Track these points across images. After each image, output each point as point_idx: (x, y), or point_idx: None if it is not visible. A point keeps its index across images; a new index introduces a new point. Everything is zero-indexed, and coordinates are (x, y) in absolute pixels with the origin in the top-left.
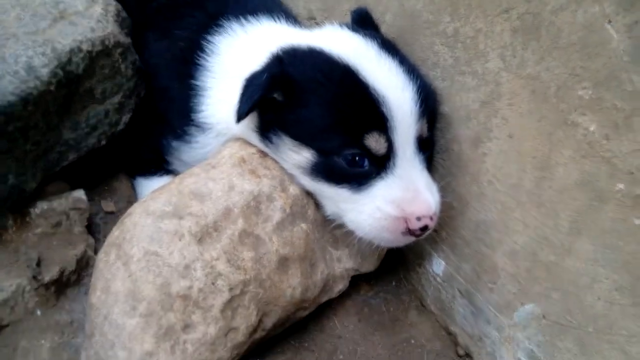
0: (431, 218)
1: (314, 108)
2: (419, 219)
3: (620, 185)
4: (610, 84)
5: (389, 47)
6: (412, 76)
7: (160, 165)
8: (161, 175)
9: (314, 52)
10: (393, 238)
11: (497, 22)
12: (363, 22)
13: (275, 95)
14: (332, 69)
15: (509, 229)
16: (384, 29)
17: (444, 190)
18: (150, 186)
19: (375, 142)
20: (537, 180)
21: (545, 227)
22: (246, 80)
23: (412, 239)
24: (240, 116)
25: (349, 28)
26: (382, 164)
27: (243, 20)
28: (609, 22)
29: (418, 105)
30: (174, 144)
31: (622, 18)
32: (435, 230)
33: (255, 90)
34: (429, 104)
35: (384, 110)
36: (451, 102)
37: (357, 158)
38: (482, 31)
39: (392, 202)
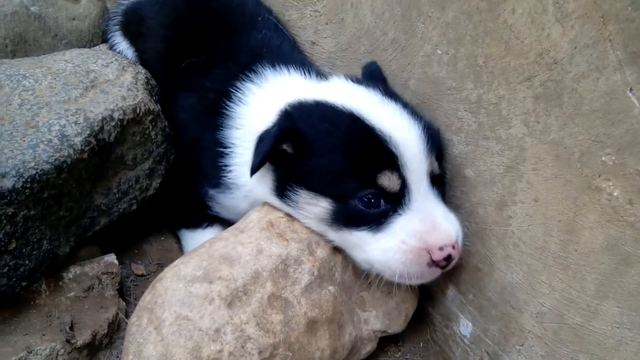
0: (453, 247)
1: (324, 156)
2: (441, 249)
3: None
4: (633, 150)
5: (391, 94)
6: (416, 117)
7: (202, 215)
8: (205, 227)
9: (319, 104)
10: (420, 272)
11: (519, 89)
12: (372, 76)
13: (285, 147)
14: (338, 117)
15: (536, 291)
16: (407, 95)
17: (470, 252)
18: (194, 238)
19: (388, 180)
20: (563, 244)
21: (572, 290)
22: (258, 136)
23: (438, 271)
24: (254, 169)
25: (353, 80)
26: (397, 201)
27: (276, 69)
28: (631, 90)
29: (425, 143)
30: (212, 192)
31: None
32: (461, 292)
33: (265, 143)
34: (435, 141)
35: (393, 148)
36: (475, 166)
37: (372, 199)
38: (505, 98)
39: (413, 235)
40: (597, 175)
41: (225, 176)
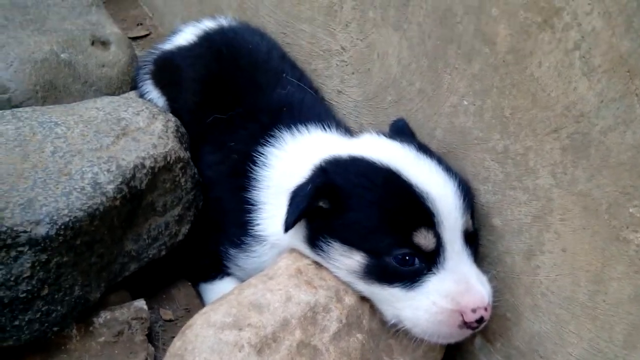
0: (485, 309)
1: (361, 211)
2: (474, 310)
3: None
4: None
5: (425, 149)
6: (450, 173)
7: (219, 268)
8: (222, 277)
9: (355, 159)
10: (450, 332)
11: (546, 140)
12: (400, 132)
13: (322, 204)
14: (374, 172)
15: (564, 341)
16: (434, 144)
17: (497, 301)
18: (213, 290)
19: (424, 239)
20: (591, 294)
21: (600, 340)
22: (292, 192)
23: (469, 332)
24: (288, 226)
25: (385, 136)
26: (432, 259)
27: (294, 131)
28: None
29: (461, 200)
30: (232, 252)
31: None
32: (489, 341)
33: (301, 200)
34: (470, 198)
35: (430, 205)
36: (502, 216)
37: (407, 257)
38: (532, 149)
39: (446, 296)
40: (624, 227)
41: (251, 230)
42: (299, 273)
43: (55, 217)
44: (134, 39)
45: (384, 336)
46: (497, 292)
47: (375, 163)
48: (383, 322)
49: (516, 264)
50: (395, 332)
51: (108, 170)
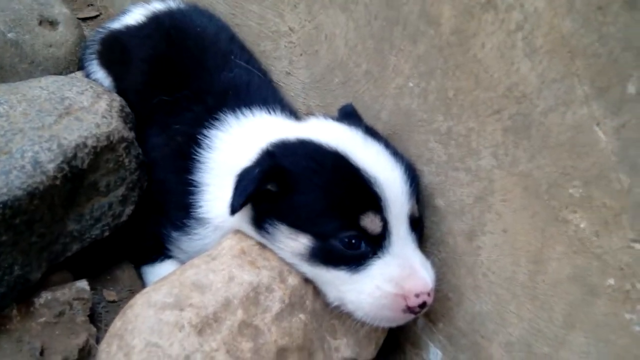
0: (429, 294)
1: (308, 194)
2: (417, 295)
3: (611, 281)
4: (599, 183)
5: (373, 133)
6: (398, 158)
7: (160, 250)
8: (163, 260)
9: (303, 142)
10: (393, 316)
11: (488, 122)
12: (348, 117)
13: (270, 187)
14: (323, 156)
15: (505, 321)
16: (379, 126)
17: (439, 281)
18: (154, 273)
19: (370, 222)
20: (531, 274)
21: (540, 320)
22: (239, 175)
23: (411, 316)
24: (235, 209)
25: (333, 119)
26: (378, 243)
27: (239, 114)
28: (597, 124)
29: (408, 185)
30: (174, 234)
31: (610, 121)
32: (431, 321)
33: (248, 183)
34: (416, 183)
35: (377, 190)
36: (445, 197)
37: (353, 240)
38: (474, 130)
39: (390, 280)
40: (564, 207)
41: (194, 212)
42: (243, 253)
43: None
44: (84, 19)
45: (327, 317)
46: (439, 275)
47: (323, 147)
48: (327, 302)
49: (458, 245)
50: (339, 312)
51: (49, 149)
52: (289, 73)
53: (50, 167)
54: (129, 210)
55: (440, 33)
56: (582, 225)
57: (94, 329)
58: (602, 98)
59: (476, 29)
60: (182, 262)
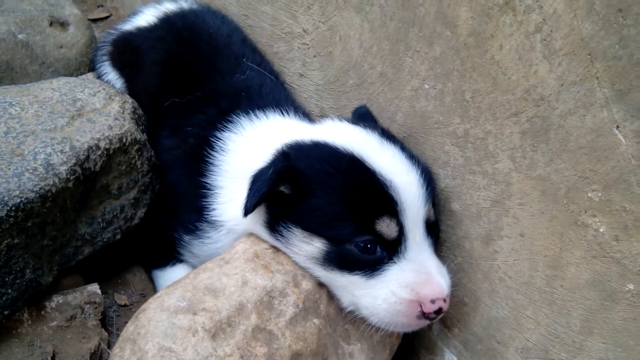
0: (444, 300)
1: (323, 198)
2: (433, 301)
3: (630, 286)
4: (619, 187)
5: (389, 135)
6: (414, 161)
7: (171, 255)
8: (174, 264)
9: (318, 144)
10: (408, 322)
11: (506, 124)
12: (363, 119)
13: (283, 189)
14: (338, 158)
15: (521, 326)
16: (394, 128)
17: (455, 286)
18: (164, 277)
19: (386, 227)
20: (548, 279)
21: (557, 325)
22: (253, 176)
23: (426, 322)
24: (248, 210)
25: (348, 122)
26: (393, 248)
27: (252, 116)
28: (617, 127)
29: (424, 189)
30: (186, 238)
31: (630, 124)
32: (447, 326)
33: (262, 184)
34: (432, 187)
35: (393, 194)
36: (462, 200)
37: (369, 245)
38: (491, 133)
39: (406, 286)
40: (583, 212)
41: (207, 215)
42: (256, 257)
43: (5, 198)
44: (94, 20)
45: (342, 322)
46: (455, 280)
47: (338, 149)
48: (341, 307)
49: (474, 249)
50: (354, 317)
51: (61, 151)
52: (303, 75)
53: (63, 169)
54: (140, 213)
55: (457, 34)
56: (601, 230)
57: (106, 334)
58: (622, 101)
59: (494, 30)
60: (194, 267)
